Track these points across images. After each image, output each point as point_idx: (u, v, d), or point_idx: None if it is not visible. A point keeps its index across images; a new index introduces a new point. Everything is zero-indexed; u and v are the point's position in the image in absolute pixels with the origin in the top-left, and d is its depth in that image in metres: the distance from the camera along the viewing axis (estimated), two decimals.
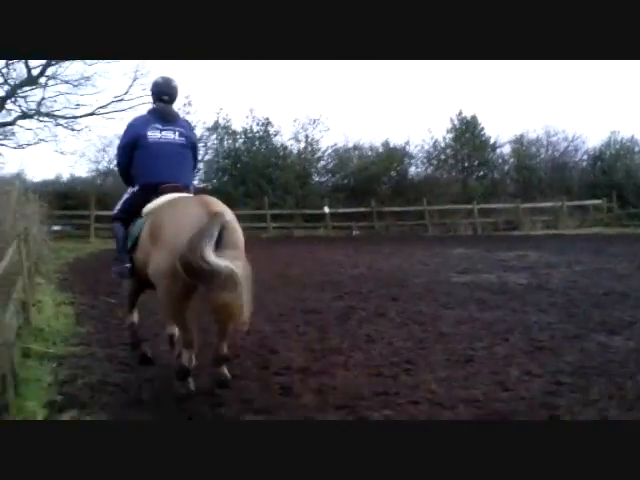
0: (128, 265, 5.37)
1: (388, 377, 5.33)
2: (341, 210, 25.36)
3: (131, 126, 5.53)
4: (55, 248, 15.21)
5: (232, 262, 4.32)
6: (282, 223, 25.03)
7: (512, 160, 31.05)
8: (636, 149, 30.78)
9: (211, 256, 4.22)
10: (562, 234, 23.00)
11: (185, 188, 5.39)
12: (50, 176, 25.53)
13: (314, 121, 28.06)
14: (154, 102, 5.58)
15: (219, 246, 4.38)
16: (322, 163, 29.09)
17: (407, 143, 29.84)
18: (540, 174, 30.20)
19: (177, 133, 5.42)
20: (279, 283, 10.90)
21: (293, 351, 6.31)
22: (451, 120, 30.51)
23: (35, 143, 21.68)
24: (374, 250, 17.32)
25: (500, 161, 31.35)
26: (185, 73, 31.04)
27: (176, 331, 5.45)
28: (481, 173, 30.71)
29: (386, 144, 29.72)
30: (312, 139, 28.35)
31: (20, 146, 21.54)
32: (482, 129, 30.57)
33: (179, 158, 5.39)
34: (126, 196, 5.60)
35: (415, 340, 6.67)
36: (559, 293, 9.43)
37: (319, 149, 28.70)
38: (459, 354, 6.04)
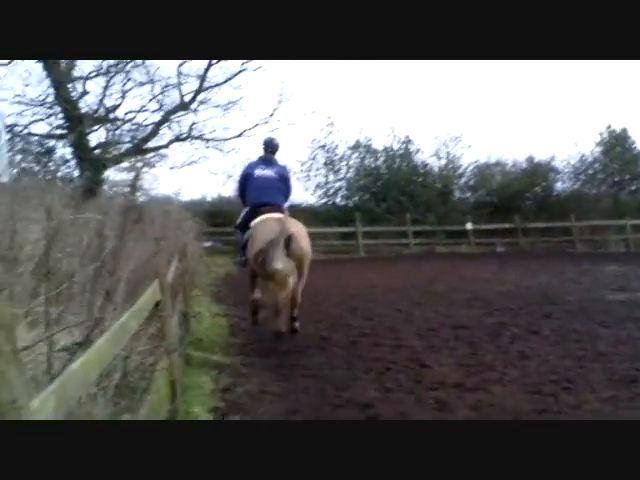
0: (243, 257, 7.91)
1: (547, 395, 5.19)
2: (484, 226, 24.88)
3: (246, 167, 8.58)
4: (207, 263, 15.90)
5: (286, 267, 6.76)
6: (424, 239, 24.88)
7: None
8: None
9: (276, 261, 6.70)
10: None
11: (278, 207, 7.84)
12: (198, 196, 26.50)
13: (455, 138, 27.81)
14: (264, 151, 8.33)
15: (287, 251, 6.80)
16: (464, 180, 28.64)
17: (552, 158, 28.86)
18: None
19: (274, 171, 8.08)
20: (425, 299, 10.86)
21: (445, 366, 6.27)
22: (600, 134, 29.28)
23: (187, 164, 22.73)
24: (520, 267, 16.85)
25: None
26: (328, 94, 31.55)
27: (259, 296, 8.01)
28: (633, 188, 29.20)
29: (530, 159, 28.89)
30: (453, 156, 28.04)
31: (173, 167, 22.65)
32: (633, 142, 29.13)
33: (274, 188, 7.98)
34: (243, 214, 8.19)
35: (573, 358, 6.46)
36: None
37: (460, 166, 28.31)
38: (621, 374, 5.79)
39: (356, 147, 27.84)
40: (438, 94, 46.65)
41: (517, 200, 27.26)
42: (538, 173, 28.29)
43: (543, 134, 47.24)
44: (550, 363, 6.29)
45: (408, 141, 28.04)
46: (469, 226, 24.50)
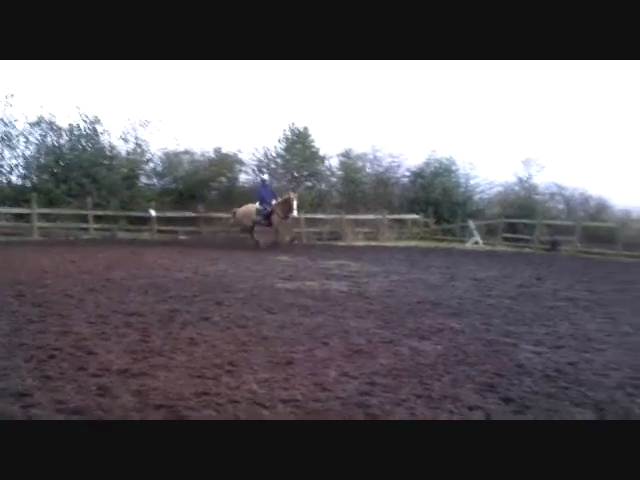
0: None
1: (210, 378, 5.36)
2: (168, 214, 24.97)
3: (259, 187, 22.46)
4: None
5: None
6: (105, 224, 24.22)
7: (339, 173, 32.01)
8: (453, 168, 32.68)
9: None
10: (381, 245, 24.06)
11: (266, 202, 21.20)
12: None
13: (144, 122, 27.42)
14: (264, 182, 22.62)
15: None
16: (151, 165, 28.45)
17: (239, 150, 29.95)
18: (364, 187, 31.35)
19: (267, 190, 21.79)
20: (100, 285, 10.57)
21: (113, 353, 6.17)
22: (284, 131, 31.02)
23: None
24: (200, 255, 17.19)
25: (328, 173, 32.20)
26: (10, 65, 28.96)
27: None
28: (310, 184, 31.40)
29: (218, 150, 29.66)
30: (142, 140, 27.70)
31: None
32: (313, 141, 31.27)
33: (268, 194, 21.45)
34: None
35: (238, 343, 6.74)
36: (377, 301, 9.89)
37: (148, 151, 28.09)
38: (280, 357, 6.19)
39: (38, 123, 26.10)
40: (129, 76, 45.68)
41: (203, 189, 27.82)
42: (224, 164, 29.14)
43: (231, 127, 48.63)
44: (217, 348, 6.49)
45: (96, 121, 27.02)
46: (153, 213, 24.40)
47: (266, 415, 4.47)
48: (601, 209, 33.21)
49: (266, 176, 23.58)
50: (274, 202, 21.01)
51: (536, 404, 4.95)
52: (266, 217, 21.11)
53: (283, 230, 21.35)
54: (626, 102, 58.60)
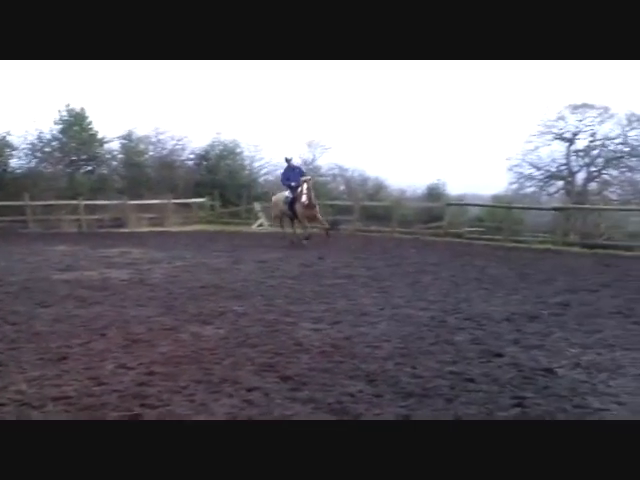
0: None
1: None
2: None
3: (285, 169, 18.87)
4: None
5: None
6: None
7: (121, 156, 30.98)
8: (238, 150, 32.86)
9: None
10: (167, 231, 23.67)
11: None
12: None
13: None
14: (290, 161, 18.85)
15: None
16: None
17: (8, 133, 27.93)
18: (148, 171, 30.66)
19: (296, 170, 18.68)
20: None
21: None
22: (59, 112, 29.39)
23: None
24: None
25: (109, 156, 31.05)
26: None
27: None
28: (89, 168, 30.10)
29: None
30: None
31: None
32: (90, 123, 29.96)
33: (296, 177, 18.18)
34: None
35: (6, 341, 6.33)
36: (159, 287, 9.74)
37: None
38: (53, 352, 5.89)
39: None
40: None
41: None
42: None
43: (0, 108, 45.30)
44: None
45: None
46: None
47: (35, 415, 4.22)
48: (378, 189, 35.14)
49: (290, 156, 18.91)
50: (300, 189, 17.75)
51: (312, 380, 5.11)
52: (290, 206, 18.16)
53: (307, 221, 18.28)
54: (403, 90, 62.49)
